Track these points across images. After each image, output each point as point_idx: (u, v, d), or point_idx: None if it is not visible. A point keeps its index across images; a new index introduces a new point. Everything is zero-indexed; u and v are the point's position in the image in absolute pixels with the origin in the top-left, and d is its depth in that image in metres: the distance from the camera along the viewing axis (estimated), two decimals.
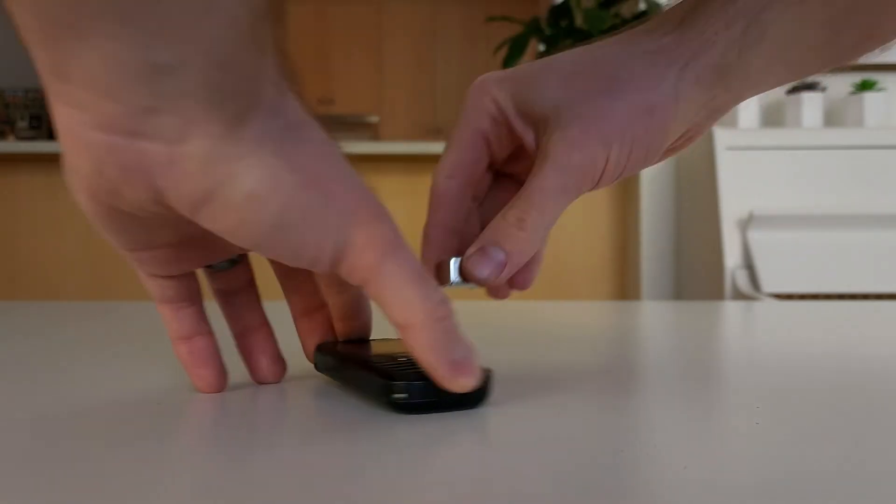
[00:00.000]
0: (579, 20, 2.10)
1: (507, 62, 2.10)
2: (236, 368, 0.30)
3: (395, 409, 0.26)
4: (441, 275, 0.30)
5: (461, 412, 0.25)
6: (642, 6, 2.15)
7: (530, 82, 0.30)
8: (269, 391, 0.29)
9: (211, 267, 0.29)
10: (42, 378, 0.32)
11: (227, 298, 0.30)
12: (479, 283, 0.28)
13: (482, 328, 0.49)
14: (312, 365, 0.31)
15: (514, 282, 0.31)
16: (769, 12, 0.29)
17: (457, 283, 0.29)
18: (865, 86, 2.19)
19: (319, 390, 0.29)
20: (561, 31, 2.11)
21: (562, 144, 0.28)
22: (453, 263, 0.29)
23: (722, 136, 2.01)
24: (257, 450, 0.21)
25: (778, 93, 2.32)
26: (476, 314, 0.55)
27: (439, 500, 0.17)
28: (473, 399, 0.26)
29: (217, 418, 0.26)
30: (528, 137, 0.30)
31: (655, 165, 0.31)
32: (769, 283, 1.80)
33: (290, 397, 0.29)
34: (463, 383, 0.24)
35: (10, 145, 2.12)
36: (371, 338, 0.32)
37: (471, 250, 0.28)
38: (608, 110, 0.28)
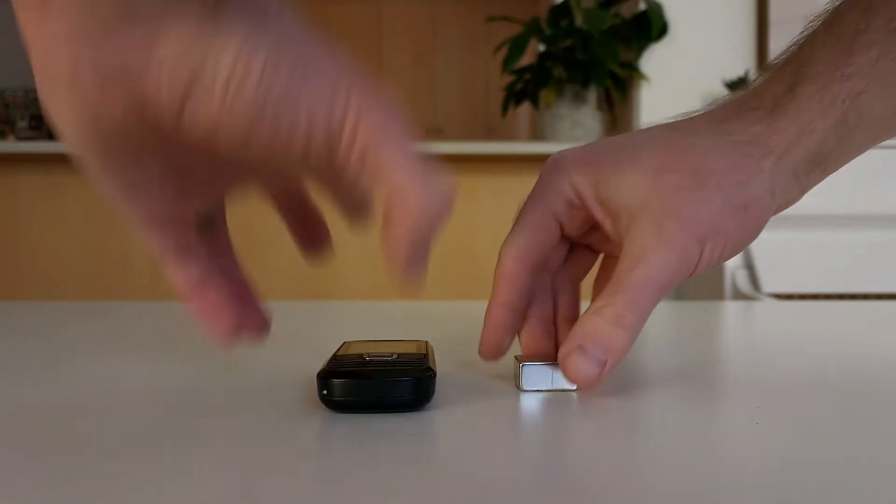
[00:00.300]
0: (579, 20, 2.10)
1: (507, 62, 2.10)
2: (241, 369, 0.30)
3: (328, 408, 0.26)
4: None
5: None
6: (642, 6, 2.15)
7: (614, 172, 0.29)
8: (262, 391, 0.29)
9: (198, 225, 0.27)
10: (42, 378, 0.32)
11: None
12: (580, 382, 0.27)
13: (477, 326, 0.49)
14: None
15: None
16: (868, 95, 0.27)
17: (529, 390, 0.28)
18: None
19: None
20: (561, 31, 2.10)
21: (657, 243, 0.27)
22: (525, 370, 0.28)
23: None
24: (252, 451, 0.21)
25: None
26: (471, 313, 0.55)
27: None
28: (412, 402, 0.25)
29: (216, 417, 0.26)
30: (608, 224, 0.29)
31: None
32: (769, 283, 1.80)
33: (274, 397, 0.29)
34: (404, 273, 0.23)
35: (10, 145, 2.12)
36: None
37: (566, 348, 0.27)
38: (702, 208, 0.27)
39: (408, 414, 0.25)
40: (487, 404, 0.27)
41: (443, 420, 0.25)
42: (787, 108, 0.28)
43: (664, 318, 0.60)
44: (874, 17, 0.27)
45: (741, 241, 0.28)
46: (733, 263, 1.89)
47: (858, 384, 0.31)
